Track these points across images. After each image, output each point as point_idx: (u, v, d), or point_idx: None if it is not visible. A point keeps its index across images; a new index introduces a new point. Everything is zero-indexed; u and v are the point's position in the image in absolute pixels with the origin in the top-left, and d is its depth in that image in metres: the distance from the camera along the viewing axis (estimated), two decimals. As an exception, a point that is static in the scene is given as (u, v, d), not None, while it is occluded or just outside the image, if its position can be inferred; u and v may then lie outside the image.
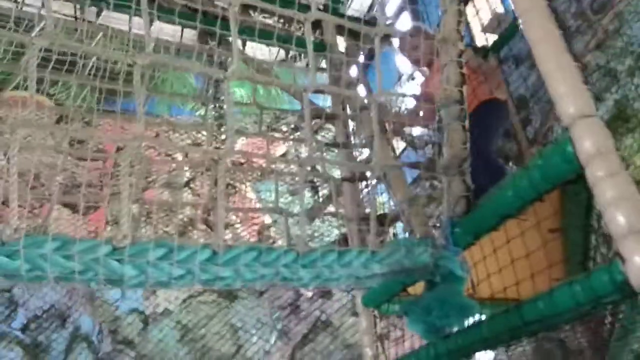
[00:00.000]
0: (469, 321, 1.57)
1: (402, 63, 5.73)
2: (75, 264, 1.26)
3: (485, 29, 4.71)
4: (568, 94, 1.28)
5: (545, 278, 1.58)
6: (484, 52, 3.96)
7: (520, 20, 1.54)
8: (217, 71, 1.48)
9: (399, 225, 2.83)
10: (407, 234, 2.59)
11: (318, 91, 3.99)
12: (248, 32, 3.42)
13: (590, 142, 1.19)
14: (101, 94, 2.58)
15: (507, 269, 1.59)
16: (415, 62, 3.18)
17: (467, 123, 1.76)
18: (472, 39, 4.99)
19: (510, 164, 3.66)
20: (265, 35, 3.16)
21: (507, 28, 3.98)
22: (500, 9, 4.98)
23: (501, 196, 1.48)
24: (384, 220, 2.21)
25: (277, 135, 4.11)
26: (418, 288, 1.89)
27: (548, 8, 1.48)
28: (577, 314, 1.24)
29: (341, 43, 3.88)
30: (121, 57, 1.38)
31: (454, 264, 1.63)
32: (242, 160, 4.00)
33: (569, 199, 1.59)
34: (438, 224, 2.02)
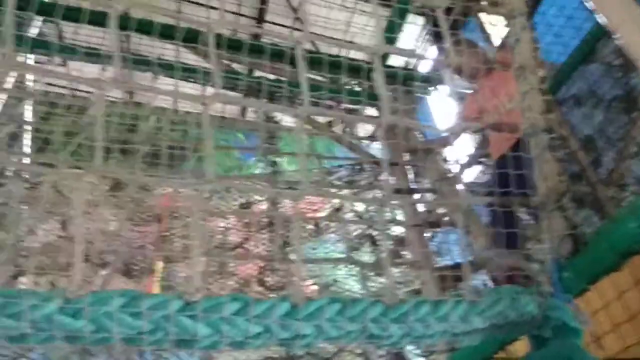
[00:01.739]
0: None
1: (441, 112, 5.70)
2: (144, 323, 1.12)
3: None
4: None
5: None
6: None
7: (617, 35, 1.39)
8: (289, 109, 1.38)
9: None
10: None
11: (372, 138, 3.91)
12: (298, 87, 3.43)
13: None
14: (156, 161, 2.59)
15: (642, 316, 1.34)
16: (471, 77, 2.95)
17: (565, 151, 1.58)
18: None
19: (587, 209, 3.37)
20: (317, 89, 3.15)
21: (563, 69, 3.85)
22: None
23: (620, 228, 1.27)
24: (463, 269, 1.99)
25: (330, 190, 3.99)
26: (519, 347, 1.64)
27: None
28: None
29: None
30: (191, 99, 1.30)
31: (566, 314, 1.39)
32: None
33: None
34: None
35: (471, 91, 3.13)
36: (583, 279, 1.38)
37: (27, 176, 3.49)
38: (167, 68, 2.92)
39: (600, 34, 3.53)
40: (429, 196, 2.74)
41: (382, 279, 3.57)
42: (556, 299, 1.42)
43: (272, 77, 3.65)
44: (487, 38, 5.01)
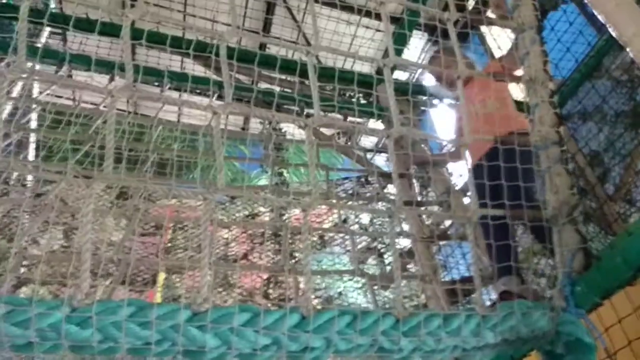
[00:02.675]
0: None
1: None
2: (152, 333, 1.10)
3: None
4: None
5: None
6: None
7: (629, 48, 1.39)
8: (300, 119, 1.37)
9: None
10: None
11: (380, 151, 3.90)
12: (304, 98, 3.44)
13: None
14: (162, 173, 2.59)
15: (658, 332, 1.31)
16: (451, 85, 2.89)
17: (570, 166, 1.57)
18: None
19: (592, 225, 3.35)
20: (324, 101, 3.16)
21: (568, 85, 3.85)
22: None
23: (635, 242, 1.25)
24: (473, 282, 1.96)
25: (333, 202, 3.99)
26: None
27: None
28: None
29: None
30: (202, 108, 1.30)
31: (579, 329, 1.37)
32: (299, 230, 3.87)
33: None
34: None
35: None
36: (596, 293, 1.36)
37: (29, 185, 3.49)
38: (176, 79, 2.94)
39: (607, 49, 3.53)
40: (435, 208, 2.72)
41: (387, 292, 3.54)
42: (569, 314, 1.40)
43: (277, 89, 3.67)
44: (490, 51, 5.03)
